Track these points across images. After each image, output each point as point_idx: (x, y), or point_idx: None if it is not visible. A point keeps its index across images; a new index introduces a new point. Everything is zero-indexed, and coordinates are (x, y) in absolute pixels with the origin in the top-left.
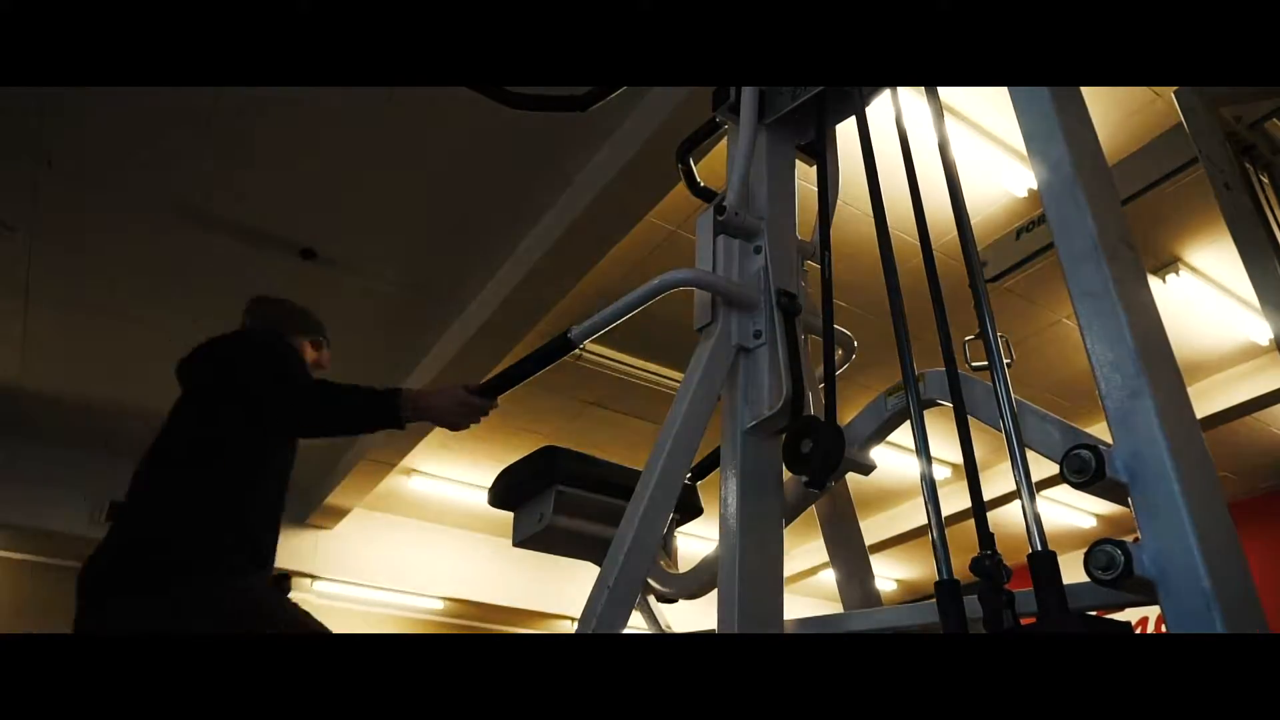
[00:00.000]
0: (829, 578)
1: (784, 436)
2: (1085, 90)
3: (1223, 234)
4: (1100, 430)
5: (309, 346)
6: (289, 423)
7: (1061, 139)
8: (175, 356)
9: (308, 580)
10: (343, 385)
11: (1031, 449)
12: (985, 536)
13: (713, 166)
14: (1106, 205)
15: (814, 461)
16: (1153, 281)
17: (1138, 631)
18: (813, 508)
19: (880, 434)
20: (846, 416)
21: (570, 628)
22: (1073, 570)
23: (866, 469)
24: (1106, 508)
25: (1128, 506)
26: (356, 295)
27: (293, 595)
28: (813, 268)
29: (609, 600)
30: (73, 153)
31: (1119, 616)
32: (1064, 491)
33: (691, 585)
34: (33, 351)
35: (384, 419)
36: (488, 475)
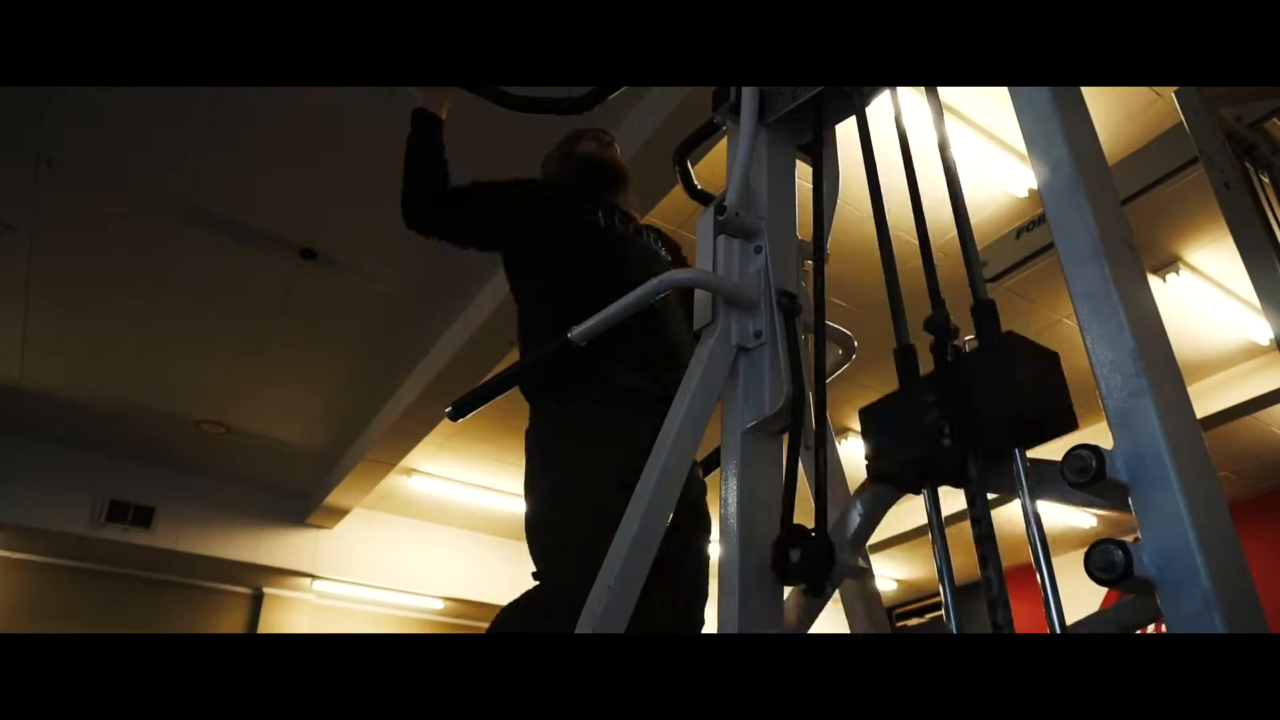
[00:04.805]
0: None
1: (773, 544)
2: (1086, 91)
3: (1223, 234)
4: (1100, 430)
5: None
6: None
7: (1061, 139)
8: (175, 356)
9: (308, 580)
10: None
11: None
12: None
13: (711, 167)
14: (1106, 205)
15: (802, 571)
16: (1153, 281)
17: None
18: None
19: (869, 528)
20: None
21: None
22: (1073, 570)
23: (859, 573)
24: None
25: (1128, 507)
26: (356, 295)
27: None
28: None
29: (609, 600)
30: (73, 153)
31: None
32: None
33: None
34: (33, 351)
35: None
36: (488, 475)
